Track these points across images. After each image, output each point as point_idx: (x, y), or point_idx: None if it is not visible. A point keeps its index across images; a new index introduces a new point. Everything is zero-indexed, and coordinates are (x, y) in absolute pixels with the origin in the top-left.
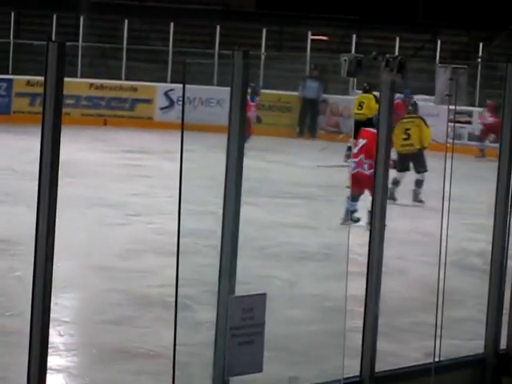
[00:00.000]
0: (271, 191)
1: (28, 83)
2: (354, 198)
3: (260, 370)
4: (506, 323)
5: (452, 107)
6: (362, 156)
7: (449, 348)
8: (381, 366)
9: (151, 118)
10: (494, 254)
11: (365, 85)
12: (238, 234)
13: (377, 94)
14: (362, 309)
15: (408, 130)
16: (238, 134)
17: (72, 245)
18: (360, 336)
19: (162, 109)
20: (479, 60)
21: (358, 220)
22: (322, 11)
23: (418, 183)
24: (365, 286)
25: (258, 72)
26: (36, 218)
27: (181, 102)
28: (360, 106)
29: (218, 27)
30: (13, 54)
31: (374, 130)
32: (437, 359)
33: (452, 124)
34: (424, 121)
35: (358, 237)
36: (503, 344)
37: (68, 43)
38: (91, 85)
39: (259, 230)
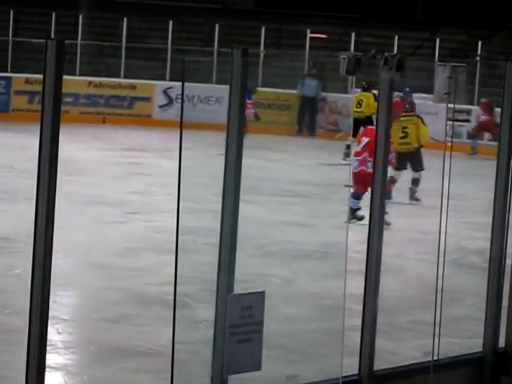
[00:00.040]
0: (270, 189)
1: (27, 81)
2: (357, 196)
3: (258, 369)
4: (504, 322)
5: (451, 105)
6: (365, 154)
7: (447, 346)
8: (379, 364)
9: (150, 116)
10: (493, 253)
11: (363, 83)
12: (236, 231)
13: (376, 92)
14: (361, 307)
15: (405, 128)
16: (237, 132)
17: (71, 242)
18: (358, 334)
19: (160, 107)
20: (478, 58)
21: (362, 218)
22: (320, 9)
23: (415, 182)
24: (363, 285)
25: (257, 70)
26: (35, 215)
27: (180, 100)
28: (359, 104)
29: (217, 25)
30: (12, 52)
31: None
32: (435, 358)
33: (451, 122)
34: (421, 119)
35: (357, 234)
36: (502, 343)
37: (67, 41)
38: (90, 83)
39: (258, 229)
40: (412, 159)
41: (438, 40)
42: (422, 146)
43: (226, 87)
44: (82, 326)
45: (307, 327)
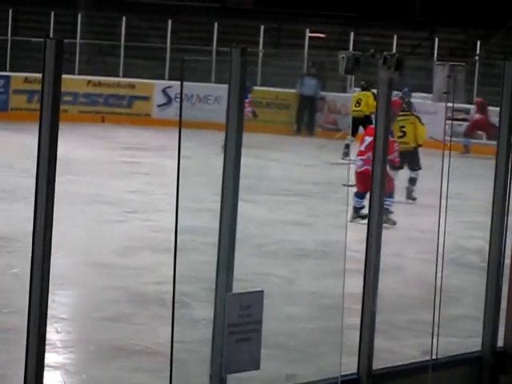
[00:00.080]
0: (269, 188)
1: (26, 80)
2: (361, 195)
3: (257, 368)
4: (503, 321)
5: (450, 105)
6: (369, 154)
7: (446, 346)
8: (378, 363)
9: (149, 115)
10: (492, 253)
11: (362, 83)
12: (235, 230)
13: (375, 91)
14: (360, 306)
15: (403, 127)
16: (236, 131)
17: (69, 242)
18: (357, 333)
19: (159, 106)
20: (477, 58)
21: (366, 216)
22: (319, 9)
23: (412, 181)
24: (362, 284)
25: (256, 69)
26: (33, 214)
27: (178, 99)
28: (358, 103)
29: (216, 24)
30: (11, 51)
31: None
32: (434, 357)
33: (450, 121)
34: (419, 118)
35: (356, 233)
36: (500, 342)
37: (66, 40)
38: (89, 82)
39: (257, 228)
40: (409, 158)
41: (436, 39)
42: (419, 145)
43: (225, 86)
44: (80, 325)
45: (306, 326)
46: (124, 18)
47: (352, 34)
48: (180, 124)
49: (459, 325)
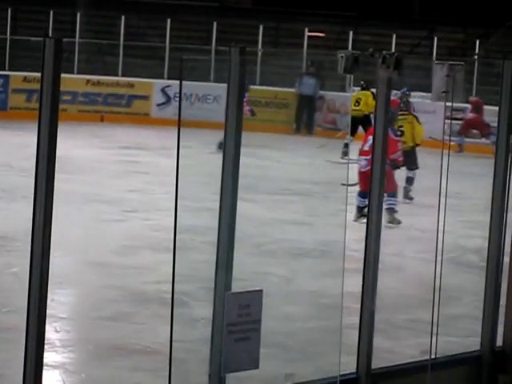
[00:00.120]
0: (268, 188)
1: (25, 79)
2: (364, 194)
3: (256, 367)
4: (502, 320)
5: (449, 104)
6: None
7: (445, 345)
8: (377, 362)
9: (148, 114)
10: (491, 251)
11: (362, 82)
12: (234, 229)
13: (374, 90)
14: (359, 305)
15: (401, 127)
16: (235, 131)
17: (69, 241)
18: (356, 333)
19: (158, 105)
20: (476, 57)
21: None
22: (318, 8)
23: (409, 180)
24: (361, 283)
25: (255, 68)
26: (32, 213)
27: (177, 99)
28: (357, 102)
29: (215, 24)
30: (10, 50)
31: None
32: (433, 356)
33: (449, 121)
34: (416, 118)
35: (355, 233)
36: (499, 341)
37: (65, 39)
38: (88, 81)
39: (256, 227)
40: (407, 158)
41: (435, 38)
42: (417, 144)
43: (224, 85)
44: (79, 324)
45: (305, 325)
46: (123, 18)
47: (351, 33)
48: (179, 123)
49: (458, 324)
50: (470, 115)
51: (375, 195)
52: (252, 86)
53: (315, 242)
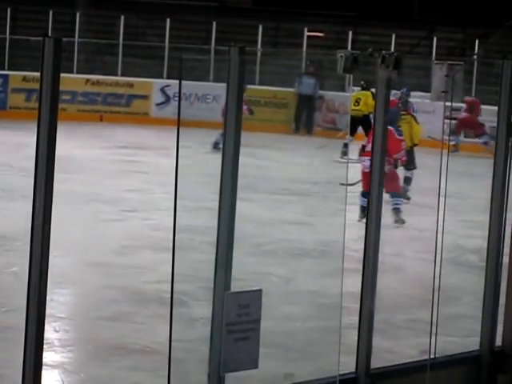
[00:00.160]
0: (268, 188)
1: (24, 79)
2: (367, 194)
3: (255, 367)
4: (501, 320)
5: (448, 104)
6: None
7: (444, 345)
8: (376, 362)
9: (147, 113)
10: (490, 251)
11: (362, 82)
12: (233, 229)
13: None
14: (358, 305)
15: (399, 127)
16: (234, 130)
17: (68, 241)
18: (356, 333)
19: (158, 105)
20: (475, 57)
21: None
22: (318, 8)
23: (407, 180)
24: (361, 283)
25: (255, 68)
26: (32, 213)
27: (177, 98)
28: (357, 102)
29: (215, 23)
30: (9, 49)
31: (388, 127)
32: (432, 356)
33: (448, 121)
34: (414, 118)
35: (354, 232)
36: (499, 341)
37: (64, 39)
38: (87, 81)
39: (256, 227)
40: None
41: (435, 38)
42: (415, 144)
43: (224, 85)
44: (79, 324)
45: (305, 325)
46: (122, 17)
47: (350, 33)
48: (178, 123)
49: (458, 324)
50: (463, 114)
51: (375, 195)
52: (249, 86)
53: (315, 242)
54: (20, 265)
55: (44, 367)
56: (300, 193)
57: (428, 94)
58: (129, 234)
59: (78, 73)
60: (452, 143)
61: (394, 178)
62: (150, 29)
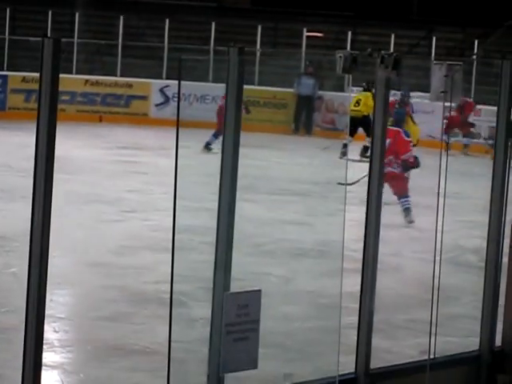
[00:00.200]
0: (267, 188)
1: (23, 79)
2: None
3: (255, 367)
4: (501, 320)
5: (447, 104)
6: (391, 157)
7: (444, 345)
8: (376, 362)
9: (146, 114)
10: (490, 251)
11: (363, 84)
12: (233, 229)
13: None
14: (357, 305)
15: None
16: (234, 131)
17: (67, 241)
18: (355, 333)
19: (157, 105)
20: (474, 57)
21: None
22: (317, 8)
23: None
24: (360, 283)
25: (254, 69)
26: (31, 213)
27: (176, 99)
28: (357, 103)
29: (214, 24)
30: (8, 50)
31: (396, 129)
32: (432, 356)
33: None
34: (411, 118)
35: (354, 233)
36: (498, 341)
37: (63, 39)
38: (86, 81)
39: (255, 227)
40: None
41: (434, 38)
42: (413, 145)
43: (223, 86)
44: (78, 324)
45: (304, 325)
46: (122, 18)
47: (349, 33)
48: (177, 123)
49: (457, 324)
50: (452, 114)
51: (373, 195)
52: (246, 86)
53: (314, 242)
54: (19, 265)
55: (43, 367)
56: (299, 193)
57: (427, 94)
58: (128, 234)
59: (77, 73)
60: (463, 143)
61: (401, 180)
62: (150, 29)
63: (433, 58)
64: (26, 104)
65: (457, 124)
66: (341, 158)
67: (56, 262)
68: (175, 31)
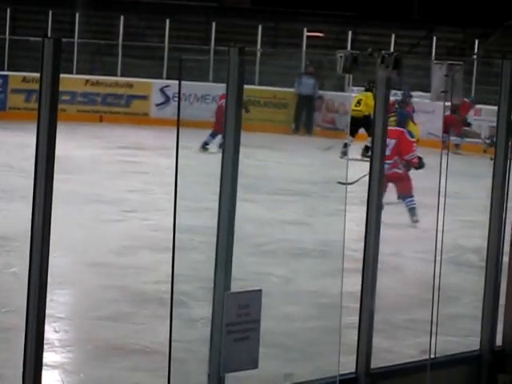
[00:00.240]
0: (268, 188)
1: (24, 79)
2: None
3: (255, 367)
4: (501, 320)
5: (448, 104)
6: (396, 158)
7: (444, 345)
8: (376, 362)
9: (147, 114)
10: (490, 251)
11: (365, 84)
12: (233, 228)
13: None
14: (358, 305)
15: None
16: (234, 131)
17: (68, 241)
18: (356, 332)
19: (157, 105)
20: (475, 57)
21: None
22: (317, 8)
23: None
24: (360, 283)
25: (254, 68)
26: (31, 213)
27: (176, 99)
28: (358, 103)
29: (214, 24)
30: (9, 50)
31: (400, 129)
32: (432, 356)
33: None
34: (411, 117)
35: (354, 232)
36: (499, 341)
37: (64, 39)
38: (87, 81)
39: (256, 227)
40: None
41: (434, 38)
42: None
43: (223, 85)
44: (78, 324)
45: (304, 325)
46: (122, 18)
47: (350, 32)
48: (178, 123)
49: (458, 324)
50: (447, 113)
51: (373, 195)
52: (246, 86)
53: (314, 242)
54: (20, 265)
55: (44, 367)
56: (300, 193)
57: (427, 94)
58: (128, 234)
59: (77, 73)
60: (454, 143)
61: (406, 180)
62: (150, 29)
63: (433, 58)
64: (26, 104)
65: (450, 123)
66: (341, 157)
67: (56, 261)
68: (175, 31)
